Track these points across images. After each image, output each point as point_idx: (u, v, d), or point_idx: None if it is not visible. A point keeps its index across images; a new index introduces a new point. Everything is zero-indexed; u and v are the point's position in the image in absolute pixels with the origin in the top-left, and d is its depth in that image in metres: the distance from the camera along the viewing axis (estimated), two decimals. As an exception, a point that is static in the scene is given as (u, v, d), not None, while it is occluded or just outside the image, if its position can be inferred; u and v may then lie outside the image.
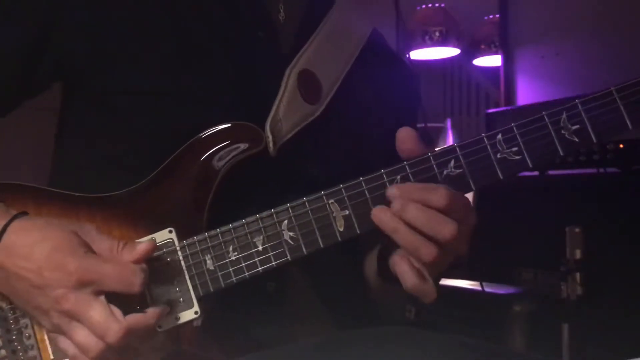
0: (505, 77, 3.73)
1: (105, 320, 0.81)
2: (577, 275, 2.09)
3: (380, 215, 0.84)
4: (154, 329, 0.85)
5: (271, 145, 0.95)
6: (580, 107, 0.85)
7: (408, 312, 1.84)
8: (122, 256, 0.85)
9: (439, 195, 0.83)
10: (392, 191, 0.85)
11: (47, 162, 1.13)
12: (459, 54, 3.84)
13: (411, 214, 0.83)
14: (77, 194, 0.96)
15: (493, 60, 4.14)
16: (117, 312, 0.82)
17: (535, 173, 2.70)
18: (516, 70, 3.71)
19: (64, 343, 0.85)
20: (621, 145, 2.39)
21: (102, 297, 0.83)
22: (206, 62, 1.00)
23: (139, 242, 0.87)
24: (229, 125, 0.93)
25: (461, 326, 2.26)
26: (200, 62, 1.00)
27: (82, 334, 0.82)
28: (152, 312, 0.84)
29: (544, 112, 0.86)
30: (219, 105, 0.99)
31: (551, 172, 2.65)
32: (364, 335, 0.86)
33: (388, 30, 1.33)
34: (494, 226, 2.75)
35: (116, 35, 0.99)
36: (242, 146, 0.93)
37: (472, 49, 3.90)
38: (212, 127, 0.93)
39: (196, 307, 0.89)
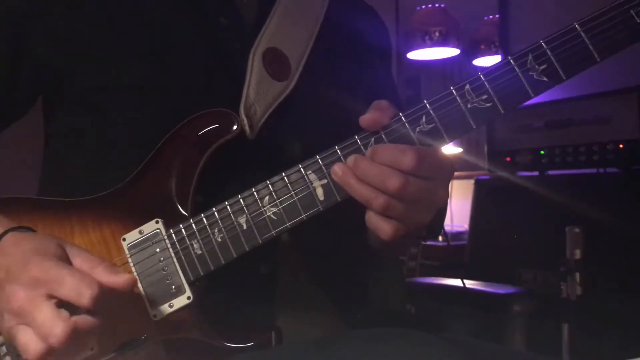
0: (505, 77, 3.71)
1: (49, 321, 0.76)
2: (577, 275, 2.09)
3: (336, 171, 0.86)
4: (97, 329, 0.79)
5: (247, 129, 0.96)
6: (545, 46, 0.84)
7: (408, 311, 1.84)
8: (96, 273, 0.80)
9: (407, 158, 0.83)
10: (368, 152, 0.86)
11: (37, 166, 1.13)
12: (459, 54, 3.83)
13: (361, 169, 0.84)
14: (67, 200, 0.96)
15: (493, 60, 4.14)
16: (65, 314, 0.77)
17: (535, 173, 2.71)
18: (516, 70, 3.69)
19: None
20: (621, 146, 2.39)
21: (53, 301, 0.78)
22: (176, 54, 1.01)
23: (121, 272, 0.83)
24: (203, 113, 0.94)
25: (461, 325, 2.26)
26: (171, 54, 1.01)
27: (25, 335, 0.78)
28: (96, 316, 0.79)
29: (509, 57, 0.85)
30: (195, 95, 0.99)
31: (551, 172, 2.66)
32: (354, 336, 0.86)
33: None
34: (493, 226, 2.76)
35: (88, 35, 1.00)
36: (219, 132, 0.94)
37: (472, 49, 3.90)
38: (188, 117, 0.94)
39: (188, 293, 0.90)
